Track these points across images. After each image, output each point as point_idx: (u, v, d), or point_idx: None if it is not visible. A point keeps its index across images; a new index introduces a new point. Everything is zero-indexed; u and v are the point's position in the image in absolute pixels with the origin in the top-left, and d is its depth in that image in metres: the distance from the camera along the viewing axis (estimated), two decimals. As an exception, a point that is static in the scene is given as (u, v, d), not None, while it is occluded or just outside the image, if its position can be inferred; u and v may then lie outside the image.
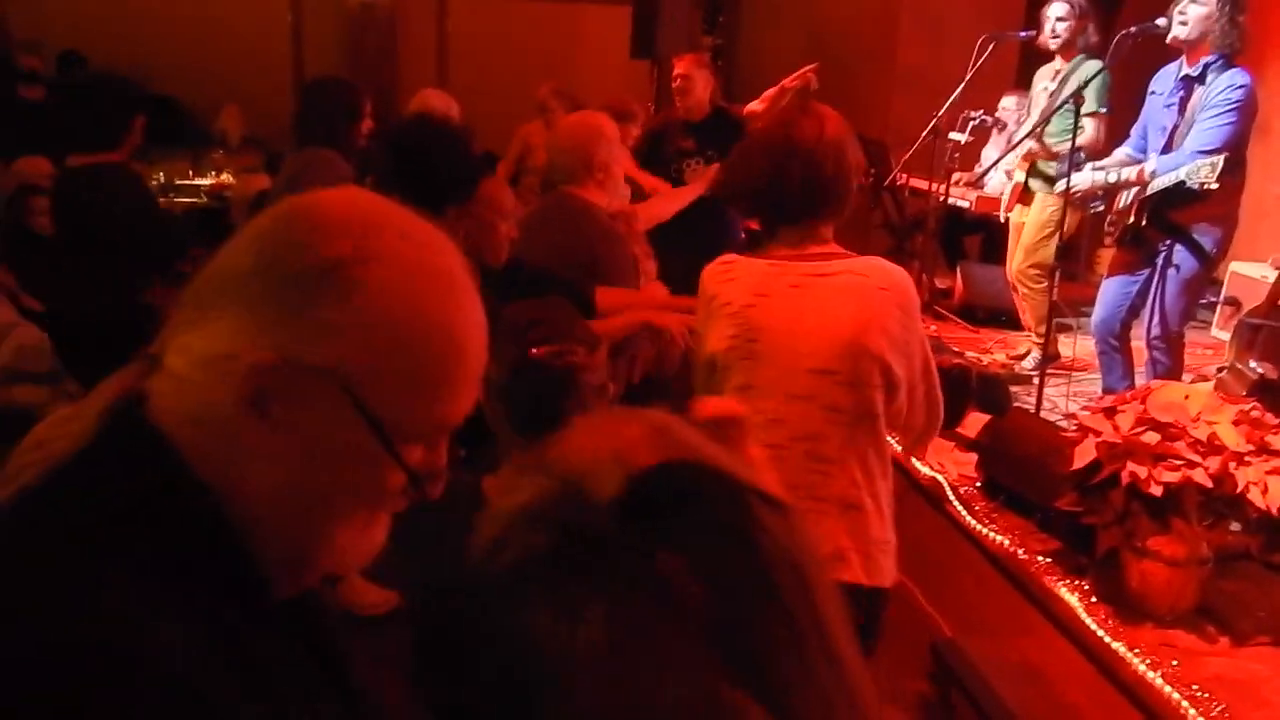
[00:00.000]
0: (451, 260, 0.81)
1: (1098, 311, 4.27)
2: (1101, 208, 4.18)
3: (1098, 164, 4.21)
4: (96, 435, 0.75)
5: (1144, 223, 3.91)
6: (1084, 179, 4.11)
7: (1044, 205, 4.78)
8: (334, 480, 0.77)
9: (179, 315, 0.78)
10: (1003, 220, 5.33)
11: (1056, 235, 4.22)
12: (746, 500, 0.62)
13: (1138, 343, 4.23)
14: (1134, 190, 3.93)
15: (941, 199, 5.31)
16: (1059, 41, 4.66)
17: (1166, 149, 3.90)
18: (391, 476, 0.78)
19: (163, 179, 7.33)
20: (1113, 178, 4.02)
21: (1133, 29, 3.82)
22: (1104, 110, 4.52)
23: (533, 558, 0.58)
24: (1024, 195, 4.99)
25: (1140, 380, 4.05)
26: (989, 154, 6.04)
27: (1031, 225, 4.87)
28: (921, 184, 5.77)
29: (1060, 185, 4.32)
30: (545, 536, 0.58)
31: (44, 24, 8.10)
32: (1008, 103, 5.84)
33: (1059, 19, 4.64)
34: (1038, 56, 5.15)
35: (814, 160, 2.09)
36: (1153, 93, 4.07)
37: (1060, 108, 4.42)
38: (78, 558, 0.69)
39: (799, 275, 2.11)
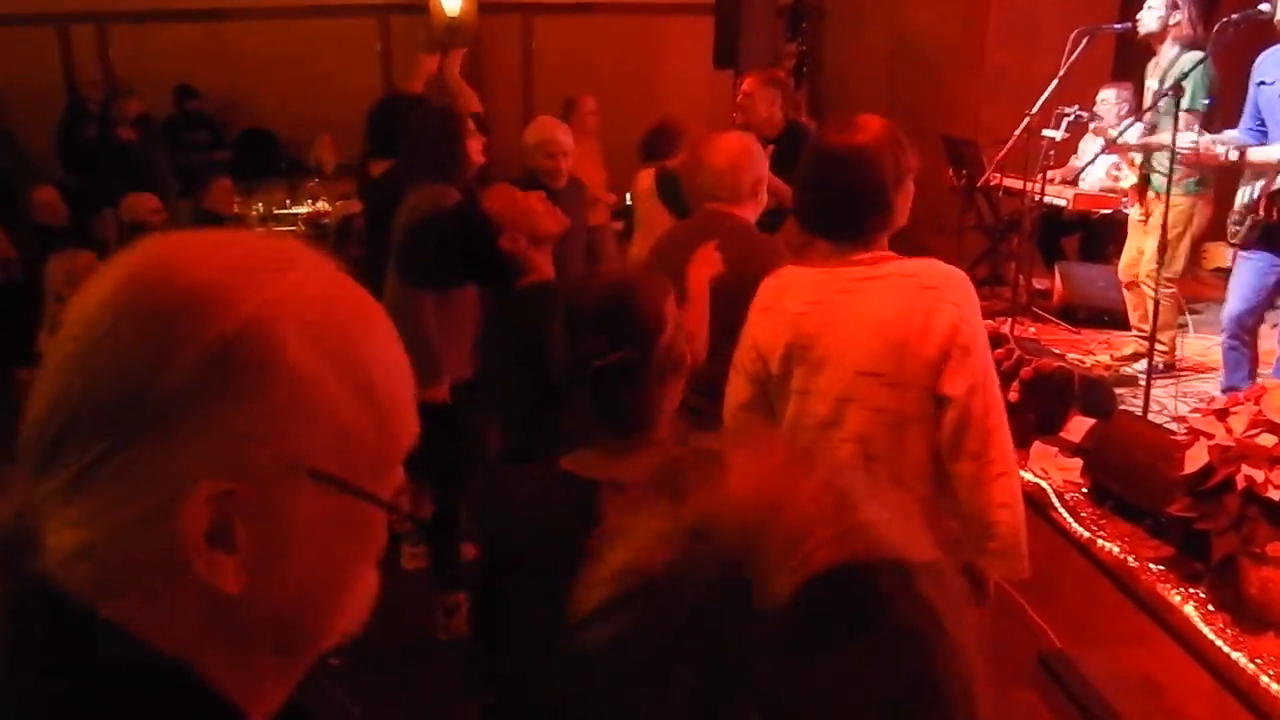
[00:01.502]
0: (338, 274, 0.69)
1: (1231, 305, 4.09)
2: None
3: (1218, 137, 4.05)
4: (20, 646, 0.61)
5: (1275, 219, 3.75)
6: (1204, 144, 3.93)
7: (1169, 204, 4.58)
8: (331, 563, 0.67)
9: (30, 492, 0.61)
10: (1106, 216, 5.18)
11: (1187, 234, 4.10)
12: (925, 603, 0.51)
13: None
14: (1259, 185, 3.79)
15: (1037, 198, 5.16)
16: (1148, 30, 4.53)
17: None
18: (381, 525, 0.70)
19: (261, 209, 7.59)
20: (1234, 155, 3.86)
21: (1234, 16, 3.67)
22: (1205, 104, 4.35)
23: (660, 641, 0.49)
24: (1141, 192, 4.82)
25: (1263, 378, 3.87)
26: (1086, 149, 5.86)
27: (1155, 226, 4.62)
28: (1016, 183, 5.63)
29: (1189, 186, 4.21)
30: (685, 619, 0.48)
31: (146, 62, 8.45)
32: (1106, 95, 5.66)
33: (1149, 7, 4.51)
34: (1135, 49, 4.99)
35: (851, 171, 2.09)
36: (1262, 82, 3.90)
37: (1156, 105, 4.30)
38: None
39: (847, 280, 2.13)
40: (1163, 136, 4.50)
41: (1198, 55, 4.17)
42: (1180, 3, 4.45)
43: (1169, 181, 3.96)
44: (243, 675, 0.65)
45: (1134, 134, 4.72)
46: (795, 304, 2.18)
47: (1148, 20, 4.53)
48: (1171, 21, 4.47)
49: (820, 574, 0.48)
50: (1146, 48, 4.74)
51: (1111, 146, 4.88)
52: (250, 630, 0.65)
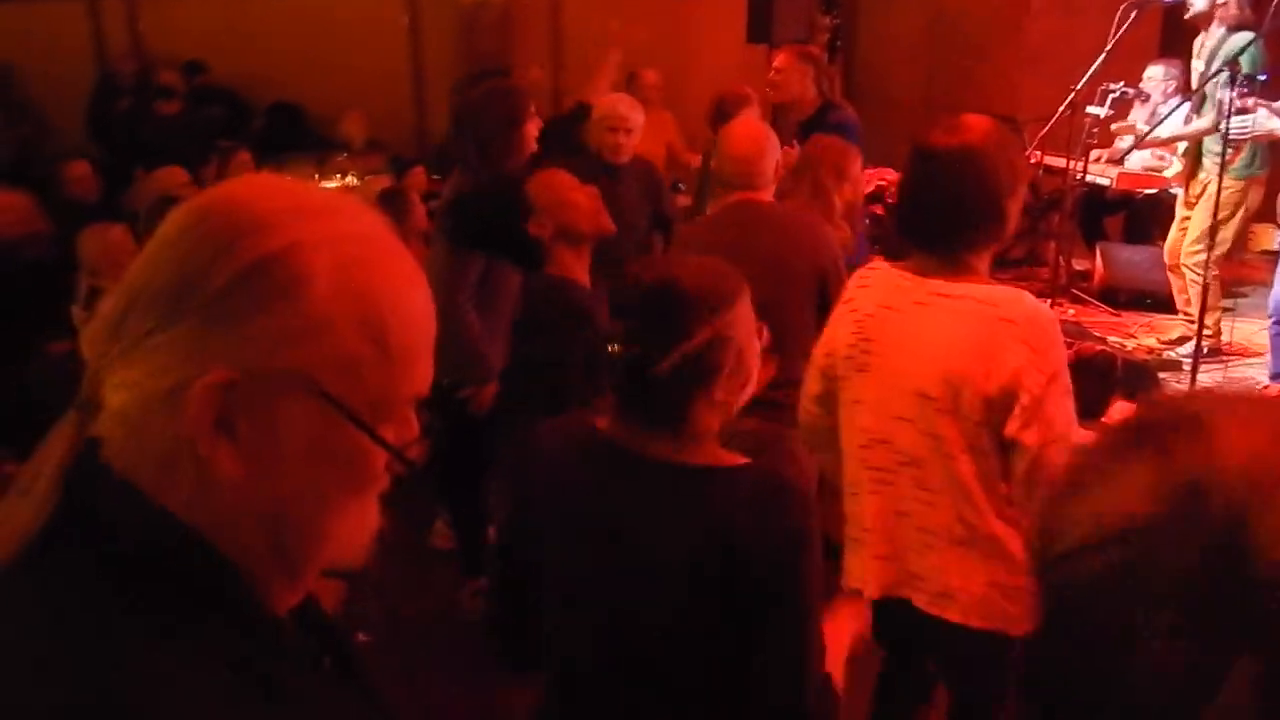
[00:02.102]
0: (384, 229, 0.77)
1: (1278, 289, 3.99)
2: None
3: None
4: (59, 502, 0.70)
5: None
6: (1261, 120, 3.82)
7: (1221, 185, 4.45)
8: (320, 481, 0.74)
9: (100, 351, 0.72)
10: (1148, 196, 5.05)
11: (1237, 217, 3.98)
12: None
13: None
14: None
15: (1079, 177, 5.04)
16: (1196, 10, 4.42)
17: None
18: (374, 459, 0.75)
19: (290, 184, 7.56)
20: None
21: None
22: (1261, 80, 4.22)
23: (1143, 591, 0.51)
24: (1189, 176, 4.69)
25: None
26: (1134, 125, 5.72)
27: (1205, 208, 4.50)
28: (1058, 161, 5.50)
29: (1240, 169, 4.08)
30: (1173, 573, 0.51)
31: (173, 36, 8.42)
32: (1153, 72, 5.51)
33: None
34: (1183, 25, 4.85)
35: (959, 175, 1.90)
36: None
37: (1203, 86, 4.19)
38: (83, 620, 0.66)
39: (926, 293, 1.96)
40: (1206, 118, 4.38)
41: (1248, 36, 4.05)
42: None
43: (1220, 164, 3.85)
44: (241, 559, 0.72)
45: (1179, 115, 4.59)
46: (868, 304, 2.05)
47: (1197, 1, 4.43)
48: (1219, 2, 4.36)
49: None
50: (1194, 25, 4.62)
51: (1152, 143, 4.76)
52: (243, 521, 0.72)
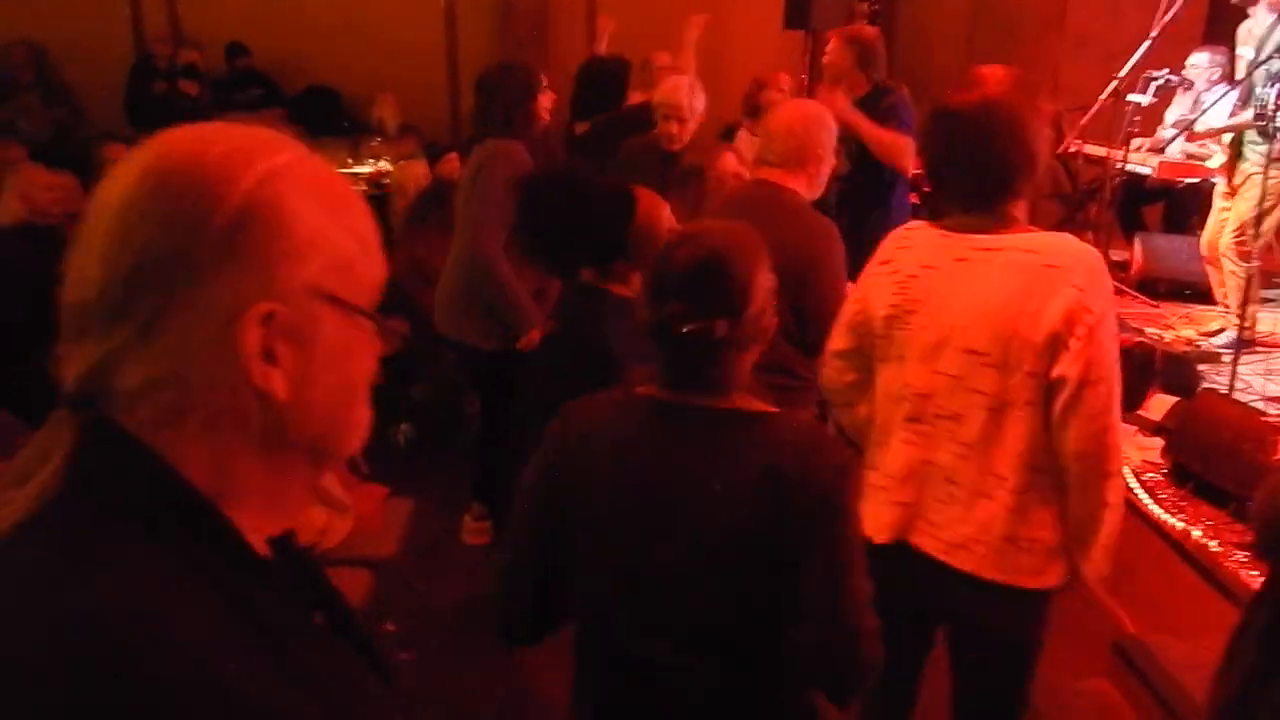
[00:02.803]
0: (306, 150, 0.83)
1: None
2: None
3: None
4: (64, 478, 0.72)
5: None
6: None
7: (1263, 177, 4.35)
8: (344, 376, 0.81)
9: (102, 340, 0.74)
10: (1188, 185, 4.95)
11: (1278, 208, 3.90)
12: None
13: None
14: None
15: (1120, 165, 4.96)
16: None
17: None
18: (375, 345, 0.84)
19: (324, 168, 7.60)
20: None
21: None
22: None
23: None
24: (1231, 168, 4.59)
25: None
26: (1174, 115, 5.62)
27: (1248, 199, 4.40)
28: (1098, 150, 5.42)
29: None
30: None
31: (209, 17, 8.47)
32: (1198, 59, 5.39)
33: None
34: (1231, 10, 4.74)
35: (981, 133, 1.91)
36: None
37: (1250, 75, 4.10)
38: (95, 549, 0.70)
39: (967, 249, 1.98)
40: (1251, 110, 4.28)
41: None
42: None
43: (1268, 156, 3.77)
44: (274, 485, 0.80)
45: (1225, 105, 4.49)
46: (910, 264, 2.05)
47: None
48: None
49: None
50: (1240, 11, 4.51)
51: (1192, 136, 4.66)
52: (294, 438, 0.79)
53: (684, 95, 4.14)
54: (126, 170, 0.76)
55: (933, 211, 2.19)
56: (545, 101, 3.72)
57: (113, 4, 8.60)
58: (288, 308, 0.75)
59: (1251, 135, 4.34)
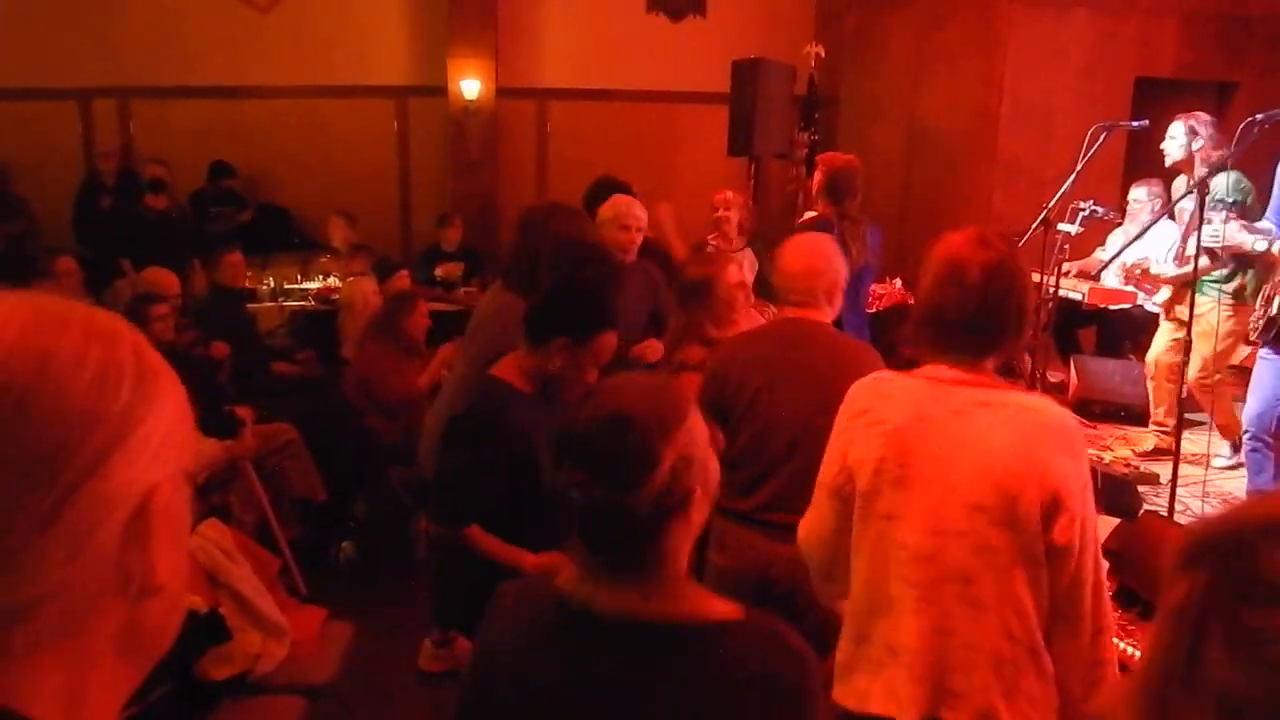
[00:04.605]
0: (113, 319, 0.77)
1: (1251, 406, 4.04)
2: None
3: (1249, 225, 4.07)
4: None
5: None
6: (1231, 231, 3.93)
7: (1221, 313, 4.54)
8: (183, 553, 0.76)
9: None
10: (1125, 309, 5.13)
11: (1238, 342, 4.09)
12: None
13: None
14: (1276, 280, 3.77)
15: (1053, 291, 5.13)
16: (1174, 160, 4.60)
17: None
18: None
19: (273, 283, 7.59)
20: (1261, 245, 3.87)
21: (1259, 116, 3.68)
22: (1249, 205, 4.37)
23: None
24: (1174, 304, 4.83)
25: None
26: (1113, 243, 5.85)
27: (1205, 334, 4.55)
28: (1033, 276, 5.61)
29: (1247, 297, 4.23)
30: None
31: (167, 138, 8.54)
32: (1138, 194, 5.67)
33: (1171, 138, 4.59)
34: (1149, 147, 5.01)
35: (992, 294, 1.92)
36: None
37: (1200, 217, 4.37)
38: None
39: (962, 401, 1.94)
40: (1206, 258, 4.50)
41: (1226, 175, 4.19)
42: (1198, 128, 4.51)
43: (1219, 294, 3.99)
44: (113, 691, 0.72)
45: (1165, 249, 4.72)
46: (897, 415, 1.99)
47: (1172, 150, 4.62)
48: (1195, 148, 4.52)
49: None
50: (1158, 152, 4.78)
51: (1144, 279, 4.91)
52: (149, 634, 0.73)
53: (636, 205, 4.25)
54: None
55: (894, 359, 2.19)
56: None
57: (68, 120, 8.64)
58: (154, 496, 0.71)
59: (1212, 275, 4.54)
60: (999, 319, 1.94)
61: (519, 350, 2.89)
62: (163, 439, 0.72)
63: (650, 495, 1.32)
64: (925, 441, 1.94)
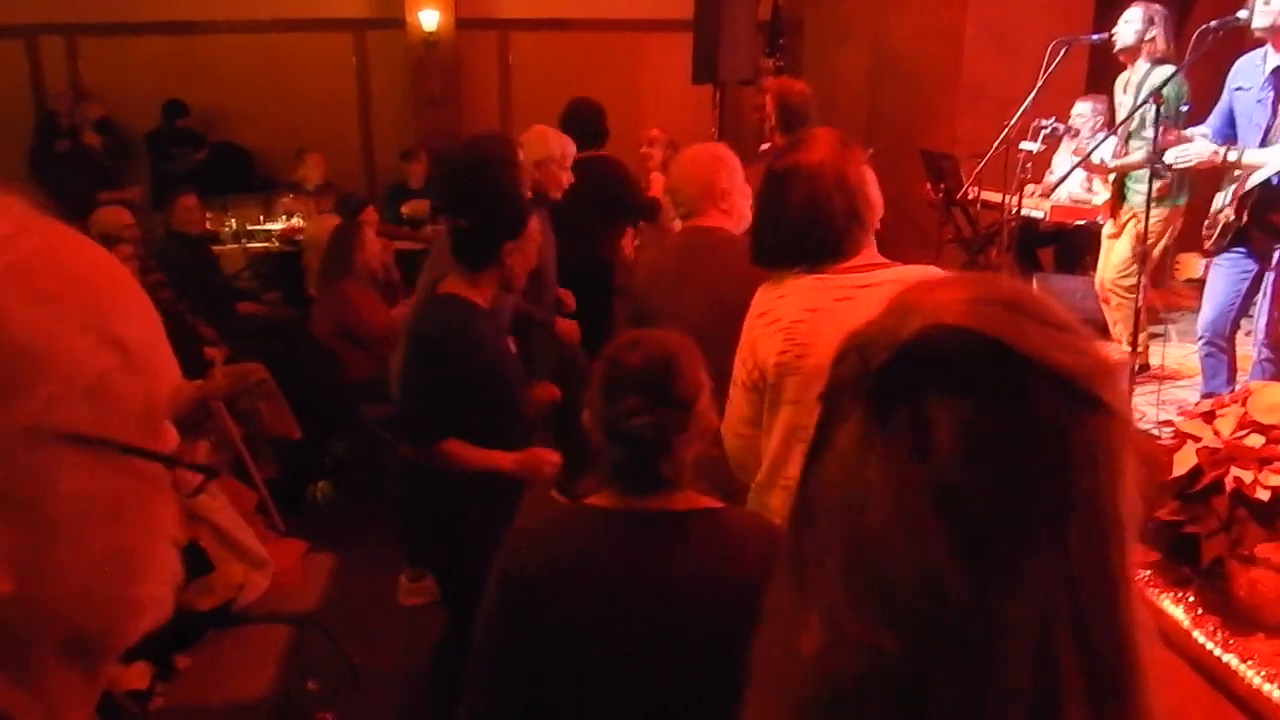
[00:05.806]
0: (78, 237, 0.64)
1: (1206, 311, 4.12)
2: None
3: (1196, 130, 4.10)
4: None
5: (1245, 221, 3.78)
6: (1198, 149, 3.95)
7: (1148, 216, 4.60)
8: (111, 537, 0.60)
9: None
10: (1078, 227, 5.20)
11: (1161, 244, 4.14)
12: (1031, 381, 0.65)
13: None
14: (1231, 190, 3.82)
15: (1015, 211, 5.18)
16: (1124, 44, 4.58)
17: (1263, 146, 3.78)
18: (158, 484, 0.63)
19: (234, 224, 7.52)
20: (1232, 156, 3.89)
21: (1213, 24, 3.70)
22: (1183, 112, 4.40)
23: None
24: (1115, 207, 4.87)
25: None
26: (1060, 162, 5.91)
27: (1129, 238, 4.70)
28: (994, 196, 5.65)
29: (1169, 201, 4.26)
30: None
31: (116, 75, 8.36)
32: (1082, 109, 5.71)
33: (1126, 21, 4.57)
34: (1110, 62, 5.03)
35: (816, 194, 2.09)
36: (1238, 88, 3.94)
37: (1129, 119, 4.38)
38: None
39: (844, 288, 2.11)
40: (1137, 151, 4.55)
41: (1170, 69, 4.22)
42: (1156, 19, 4.51)
43: (1148, 196, 4.01)
44: (26, 701, 0.57)
45: (1108, 148, 4.75)
46: (791, 311, 2.16)
47: (1124, 34, 4.58)
48: (1147, 37, 4.52)
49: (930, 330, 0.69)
50: (1117, 62, 4.79)
51: (1089, 166, 4.91)
52: (31, 637, 0.57)
53: (571, 144, 4.27)
54: None
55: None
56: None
57: (13, 57, 8.44)
58: (3, 468, 0.54)
59: (1135, 176, 4.60)
60: (835, 216, 2.10)
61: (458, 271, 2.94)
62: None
63: (698, 417, 1.66)
64: (817, 331, 2.09)
